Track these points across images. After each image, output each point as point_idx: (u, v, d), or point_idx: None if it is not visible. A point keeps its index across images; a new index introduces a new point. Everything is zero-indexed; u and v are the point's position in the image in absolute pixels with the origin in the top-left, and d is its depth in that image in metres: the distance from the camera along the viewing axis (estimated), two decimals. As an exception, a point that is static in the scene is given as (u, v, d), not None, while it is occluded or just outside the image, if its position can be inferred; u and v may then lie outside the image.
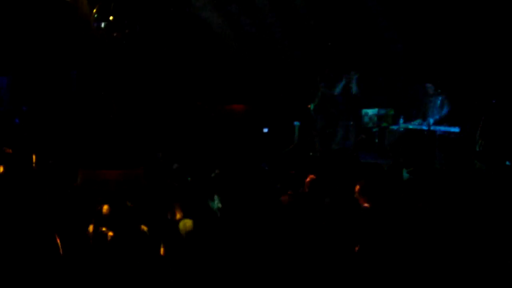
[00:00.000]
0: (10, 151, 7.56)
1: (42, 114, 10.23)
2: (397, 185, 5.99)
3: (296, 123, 10.59)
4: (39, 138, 9.55)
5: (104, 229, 4.78)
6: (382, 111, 10.13)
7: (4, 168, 7.01)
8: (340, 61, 11.41)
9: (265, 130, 11.13)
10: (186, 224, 5.41)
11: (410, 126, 9.63)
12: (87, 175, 7.07)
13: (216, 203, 5.69)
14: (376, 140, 10.15)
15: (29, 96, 10.38)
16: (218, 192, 5.73)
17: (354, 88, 10.44)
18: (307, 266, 4.13)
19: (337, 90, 10.62)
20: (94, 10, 8.43)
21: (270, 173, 7.47)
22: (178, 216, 5.18)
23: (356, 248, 4.34)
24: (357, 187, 5.38)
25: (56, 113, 10.31)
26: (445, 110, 9.39)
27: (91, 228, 4.88)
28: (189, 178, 6.60)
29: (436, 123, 9.30)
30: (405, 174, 6.63)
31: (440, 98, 9.48)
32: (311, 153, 10.64)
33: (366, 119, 10.20)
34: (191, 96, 11.54)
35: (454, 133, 9.16)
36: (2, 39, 9.85)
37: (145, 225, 4.71)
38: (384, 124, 10.09)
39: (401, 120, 9.75)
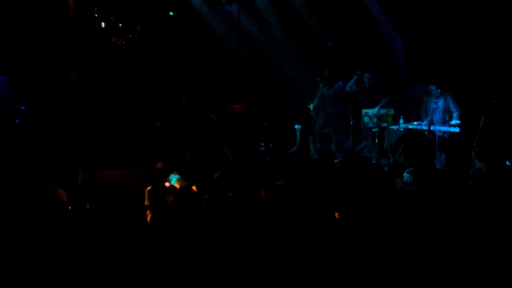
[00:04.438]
0: None
1: (42, 114, 10.21)
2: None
3: (297, 126, 10.59)
4: (39, 138, 9.54)
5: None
6: (382, 111, 10.13)
7: None
8: (340, 61, 11.43)
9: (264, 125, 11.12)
10: None
11: (410, 126, 9.63)
12: (87, 175, 7.09)
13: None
14: (376, 140, 10.15)
15: (29, 96, 10.36)
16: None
17: (353, 87, 10.56)
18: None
19: (349, 84, 10.67)
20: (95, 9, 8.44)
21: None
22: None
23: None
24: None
25: (56, 113, 10.29)
26: (445, 111, 9.40)
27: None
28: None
29: (436, 123, 9.30)
30: (405, 174, 6.62)
31: (440, 98, 9.47)
32: (310, 153, 10.66)
33: (366, 119, 10.20)
34: (192, 95, 11.52)
35: (454, 133, 9.17)
36: (1, 39, 9.84)
37: None
38: (384, 124, 10.09)
39: (401, 120, 9.76)
